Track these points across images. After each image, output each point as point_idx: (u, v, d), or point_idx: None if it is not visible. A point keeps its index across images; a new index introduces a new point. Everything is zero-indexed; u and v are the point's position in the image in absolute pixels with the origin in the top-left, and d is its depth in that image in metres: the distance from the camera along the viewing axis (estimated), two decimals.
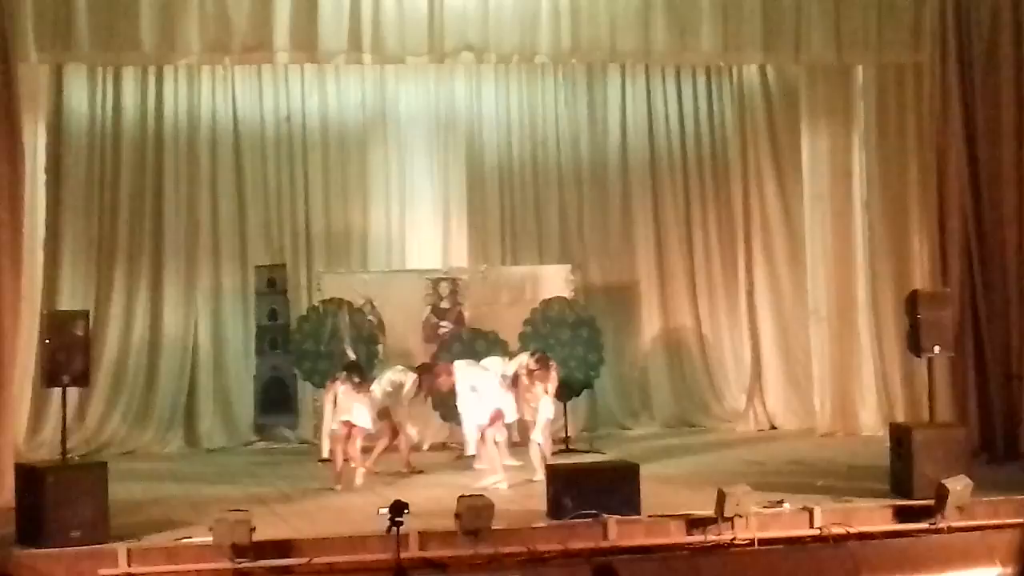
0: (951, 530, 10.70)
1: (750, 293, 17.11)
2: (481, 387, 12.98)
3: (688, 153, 17.56)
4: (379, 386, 13.42)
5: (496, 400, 12.88)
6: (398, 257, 16.74)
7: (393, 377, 13.57)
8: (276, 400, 15.73)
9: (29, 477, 10.56)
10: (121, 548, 10.02)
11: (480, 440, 12.94)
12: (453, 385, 13.29)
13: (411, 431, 13.60)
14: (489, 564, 10.01)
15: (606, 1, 13.78)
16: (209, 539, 9.91)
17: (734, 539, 10.49)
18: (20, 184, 12.36)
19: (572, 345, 15.10)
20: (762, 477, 12.39)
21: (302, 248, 16.65)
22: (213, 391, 16.28)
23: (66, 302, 15.34)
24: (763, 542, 10.48)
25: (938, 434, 11.76)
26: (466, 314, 15.58)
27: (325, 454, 13.22)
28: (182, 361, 16.23)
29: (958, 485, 10.78)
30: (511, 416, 13.02)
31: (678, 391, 17.23)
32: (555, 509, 10.83)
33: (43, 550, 10.04)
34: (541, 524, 10.71)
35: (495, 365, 13.32)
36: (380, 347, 14.96)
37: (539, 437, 12.98)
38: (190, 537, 10.28)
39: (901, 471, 11.63)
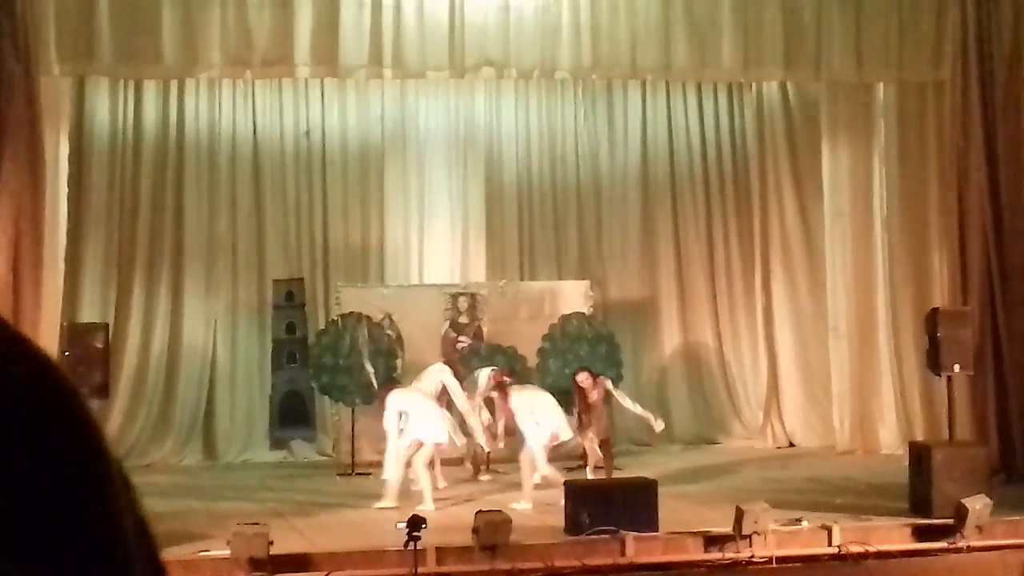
0: (970, 549, 10.63)
1: (769, 310, 17.10)
2: (413, 412, 12.65)
3: (708, 169, 17.57)
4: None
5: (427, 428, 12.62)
6: (416, 271, 16.78)
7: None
8: (293, 414, 15.76)
9: None
10: None
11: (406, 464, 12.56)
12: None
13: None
14: None
15: (626, 17, 13.80)
16: (227, 552, 9.90)
17: (752, 557, 10.45)
18: (41, 196, 12.42)
19: (591, 361, 15.02)
20: (780, 495, 12.34)
21: (320, 262, 16.69)
22: (231, 404, 16.32)
23: (86, 314, 15.37)
24: (781, 560, 10.43)
25: (958, 453, 11.72)
26: (485, 329, 15.59)
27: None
28: (200, 374, 16.28)
29: (977, 504, 10.73)
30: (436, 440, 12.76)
31: (697, 408, 17.22)
32: (573, 525, 10.81)
33: None
34: (559, 540, 10.69)
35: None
36: (399, 361, 14.96)
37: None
38: (208, 550, 10.27)
39: (920, 490, 11.58)
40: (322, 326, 15.64)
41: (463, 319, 15.46)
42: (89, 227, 15.93)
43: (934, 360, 12.13)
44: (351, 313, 15.19)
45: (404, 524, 9.34)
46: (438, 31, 13.45)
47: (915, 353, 14.81)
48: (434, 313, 15.48)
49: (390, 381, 14.17)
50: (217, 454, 16.12)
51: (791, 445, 16.68)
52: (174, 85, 16.24)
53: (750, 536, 10.41)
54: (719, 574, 10.25)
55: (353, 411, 14.66)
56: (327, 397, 15.33)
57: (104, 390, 11.16)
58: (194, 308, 16.33)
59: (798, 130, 17.02)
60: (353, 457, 14.57)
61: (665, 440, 16.87)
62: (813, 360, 16.74)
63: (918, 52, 14.39)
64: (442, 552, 10.18)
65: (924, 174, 15.14)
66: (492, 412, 13.35)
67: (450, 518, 11.33)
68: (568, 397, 13.20)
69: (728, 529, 10.51)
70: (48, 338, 12.75)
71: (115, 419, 15.69)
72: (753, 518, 10.39)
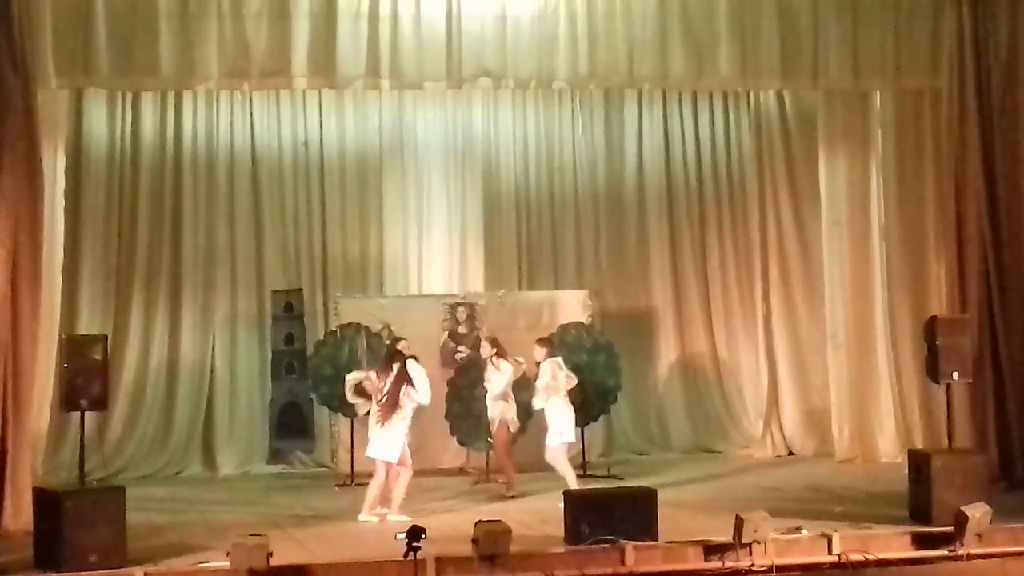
0: (970, 557, 10.64)
1: (767, 319, 17.09)
2: None
3: (705, 179, 17.57)
4: None
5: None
6: (415, 282, 16.76)
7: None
8: (292, 425, 15.73)
9: (47, 501, 10.58)
10: (138, 572, 10.02)
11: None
12: None
13: None
14: None
15: (623, 26, 13.82)
16: (226, 564, 9.89)
17: (752, 565, 10.44)
18: (39, 208, 12.38)
19: (589, 370, 15.06)
20: (780, 503, 12.36)
21: (319, 273, 16.68)
22: (230, 415, 16.30)
23: (84, 326, 15.39)
24: (781, 568, 10.43)
25: (957, 460, 11.71)
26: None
27: None
28: (199, 385, 16.26)
29: (977, 512, 10.73)
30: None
31: (695, 417, 17.22)
32: (572, 535, 10.80)
33: (61, 574, 10.05)
34: (558, 550, 10.68)
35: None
36: None
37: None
38: (207, 562, 10.26)
39: (920, 498, 11.58)
40: (321, 337, 15.63)
41: (462, 329, 15.45)
42: (87, 239, 15.91)
43: (933, 368, 12.12)
44: (350, 324, 15.19)
45: (404, 534, 9.33)
46: (435, 42, 13.46)
47: (914, 361, 14.84)
48: (433, 323, 15.48)
49: None
50: (216, 465, 16.10)
51: (790, 454, 16.67)
52: (171, 97, 16.24)
53: (750, 545, 10.41)
54: None
55: (352, 422, 14.65)
56: (326, 408, 15.32)
57: (103, 402, 11.10)
58: (193, 319, 16.31)
59: (795, 139, 17.02)
60: (352, 468, 14.56)
61: (664, 449, 16.92)
62: (811, 369, 16.74)
63: (915, 60, 14.40)
64: (442, 562, 10.17)
65: (921, 182, 15.17)
66: None
67: (450, 528, 11.33)
68: None
69: (728, 538, 10.51)
70: (47, 350, 12.77)
71: (114, 431, 15.70)
72: (753, 527, 10.38)
